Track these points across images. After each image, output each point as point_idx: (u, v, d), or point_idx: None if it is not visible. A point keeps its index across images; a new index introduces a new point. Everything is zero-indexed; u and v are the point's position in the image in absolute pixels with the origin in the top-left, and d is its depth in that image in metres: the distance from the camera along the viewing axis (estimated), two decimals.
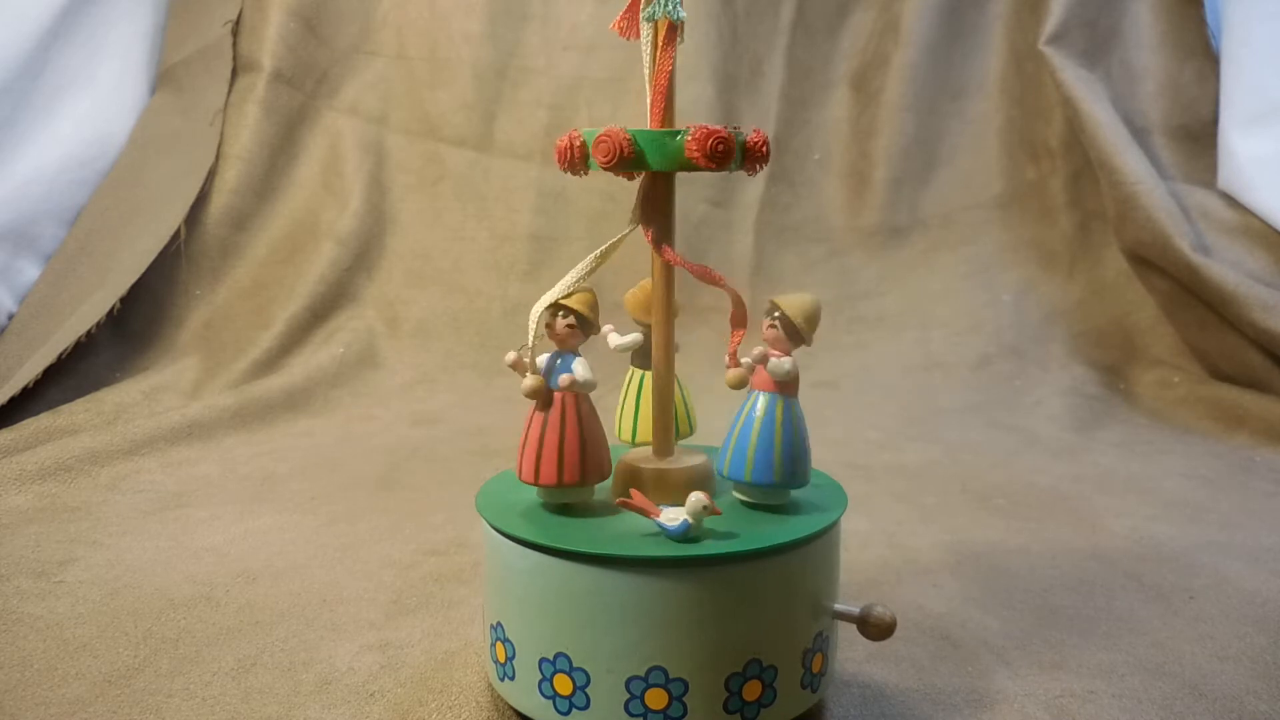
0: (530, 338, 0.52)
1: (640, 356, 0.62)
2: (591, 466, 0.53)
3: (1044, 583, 0.75)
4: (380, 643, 0.63)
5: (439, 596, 0.71)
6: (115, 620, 0.66)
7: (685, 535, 0.48)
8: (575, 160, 0.53)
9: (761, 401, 0.53)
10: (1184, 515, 0.94)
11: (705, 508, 0.48)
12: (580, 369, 0.52)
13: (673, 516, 0.48)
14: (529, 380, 0.52)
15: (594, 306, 0.54)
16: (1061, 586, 0.74)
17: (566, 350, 0.53)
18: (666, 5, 0.52)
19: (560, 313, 0.53)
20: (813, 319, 0.53)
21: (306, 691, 0.57)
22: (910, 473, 1.09)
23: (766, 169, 1.79)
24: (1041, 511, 0.95)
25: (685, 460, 0.56)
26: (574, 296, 0.53)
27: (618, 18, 0.54)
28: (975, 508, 0.96)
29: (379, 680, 0.58)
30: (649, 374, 0.58)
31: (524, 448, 0.53)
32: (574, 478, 0.52)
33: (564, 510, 0.53)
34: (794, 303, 0.53)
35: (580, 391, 0.53)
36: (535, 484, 0.52)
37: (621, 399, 0.62)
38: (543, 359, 0.53)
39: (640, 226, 0.55)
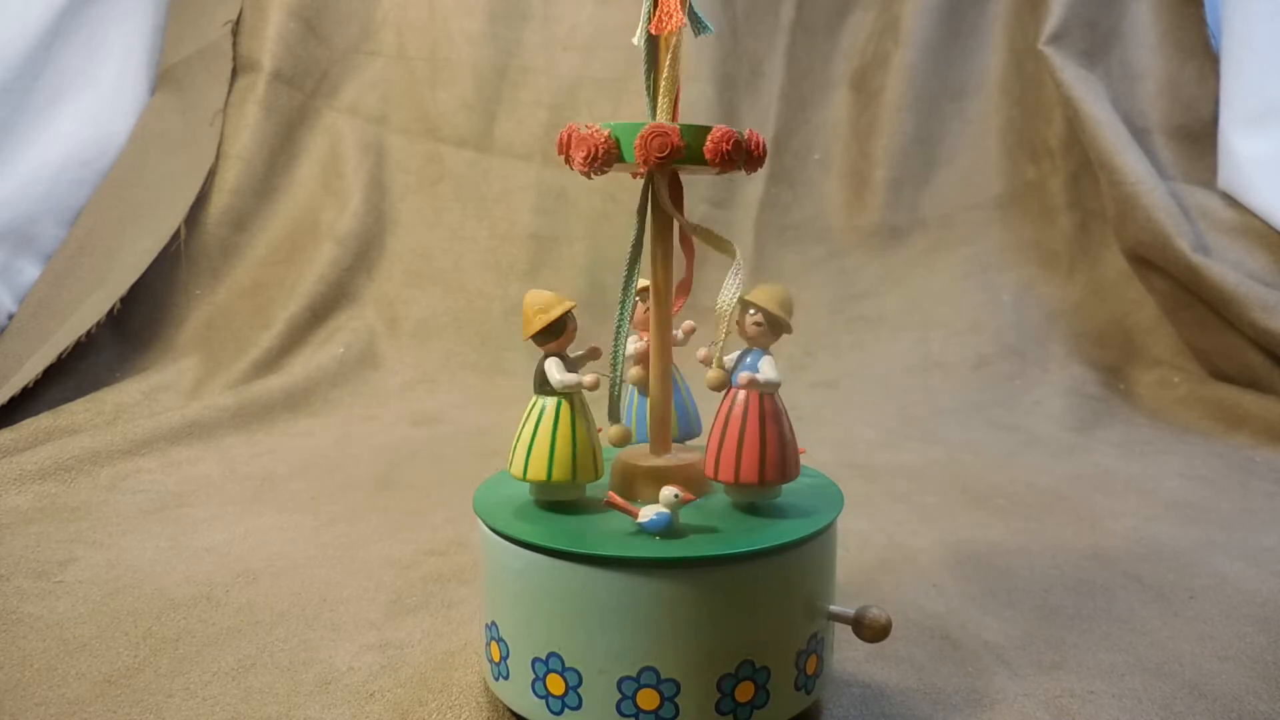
0: (722, 333, 0.52)
1: (544, 383, 0.54)
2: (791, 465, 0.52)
3: (1044, 583, 0.75)
4: (380, 642, 0.63)
5: (439, 596, 0.71)
6: (115, 620, 0.66)
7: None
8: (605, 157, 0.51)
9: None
10: (1184, 515, 0.94)
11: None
12: (766, 367, 0.52)
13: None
14: (712, 374, 0.53)
15: (785, 304, 0.52)
16: (1061, 586, 0.74)
17: (756, 347, 0.53)
18: (706, 25, 0.54)
19: (750, 310, 0.52)
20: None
21: (306, 691, 0.57)
22: (910, 473, 1.09)
23: (765, 169, 1.81)
24: (1041, 511, 0.95)
25: (682, 457, 0.56)
26: (762, 293, 0.52)
27: (655, 21, 0.53)
28: (975, 508, 0.96)
29: (379, 680, 0.58)
30: (565, 402, 0.52)
31: (722, 446, 0.52)
32: (773, 476, 0.51)
33: (558, 510, 0.53)
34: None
35: (762, 390, 0.52)
36: (735, 482, 0.52)
37: (531, 432, 0.52)
38: (732, 356, 0.53)
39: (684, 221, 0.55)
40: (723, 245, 0.54)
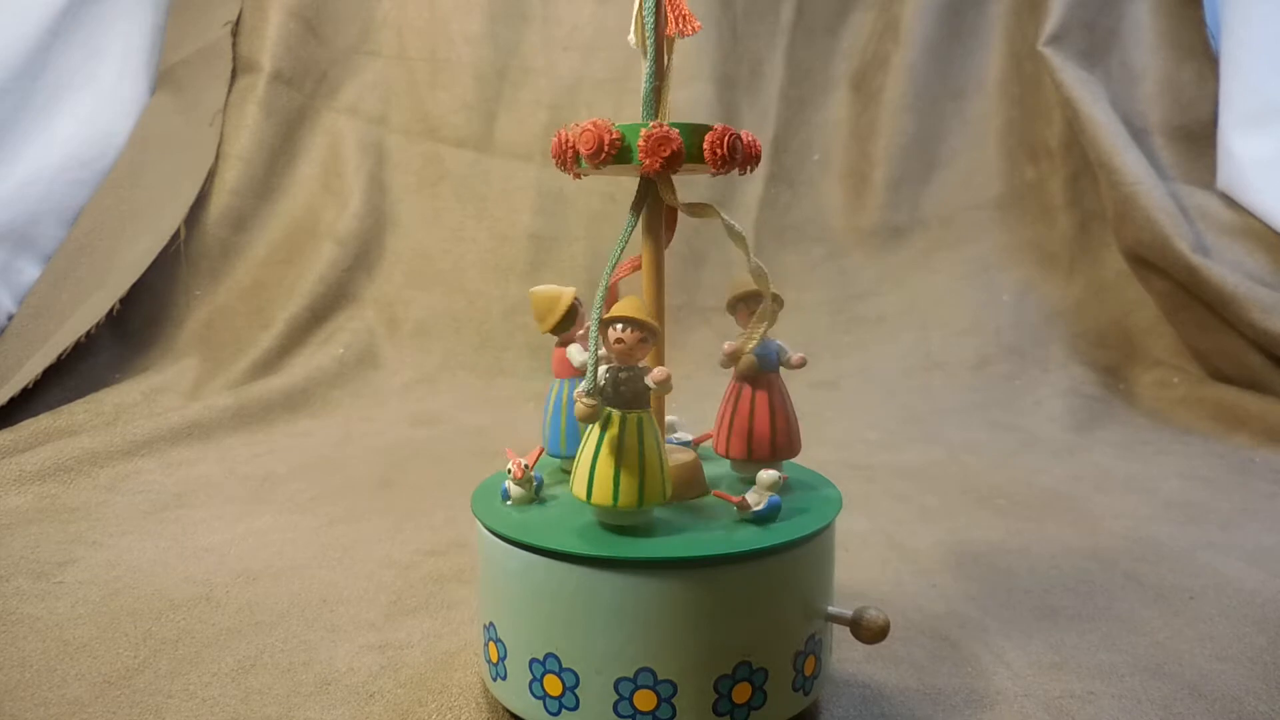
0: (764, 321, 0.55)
1: (617, 396, 0.48)
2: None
3: (1044, 583, 0.75)
4: (380, 643, 0.63)
5: (438, 597, 0.71)
6: (115, 621, 0.66)
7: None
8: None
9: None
10: (1184, 516, 0.94)
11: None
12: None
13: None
14: (744, 360, 0.57)
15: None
16: (1061, 587, 0.74)
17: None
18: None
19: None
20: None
21: (306, 692, 0.57)
22: (910, 473, 1.09)
23: (765, 169, 1.81)
24: (1041, 512, 0.95)
25: (676, 458, 0.56)
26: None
27: (677, 24, 0.53)
28: (975, 508, 0.96)
29: (378, 681, 0.58)
30: (635, 417, 0.48)
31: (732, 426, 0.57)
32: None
33: (556, 511, 0.53)
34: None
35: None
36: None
37: (593, 451, 0.48)
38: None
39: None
40: (707, 213, 0.54)
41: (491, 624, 0.51)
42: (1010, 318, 1.65)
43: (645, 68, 0.54)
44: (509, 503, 0.54)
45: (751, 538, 0.48)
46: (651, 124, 0.50)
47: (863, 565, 0.79)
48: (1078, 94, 1.62)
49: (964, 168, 1.81)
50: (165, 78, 1.60)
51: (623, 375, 0.48)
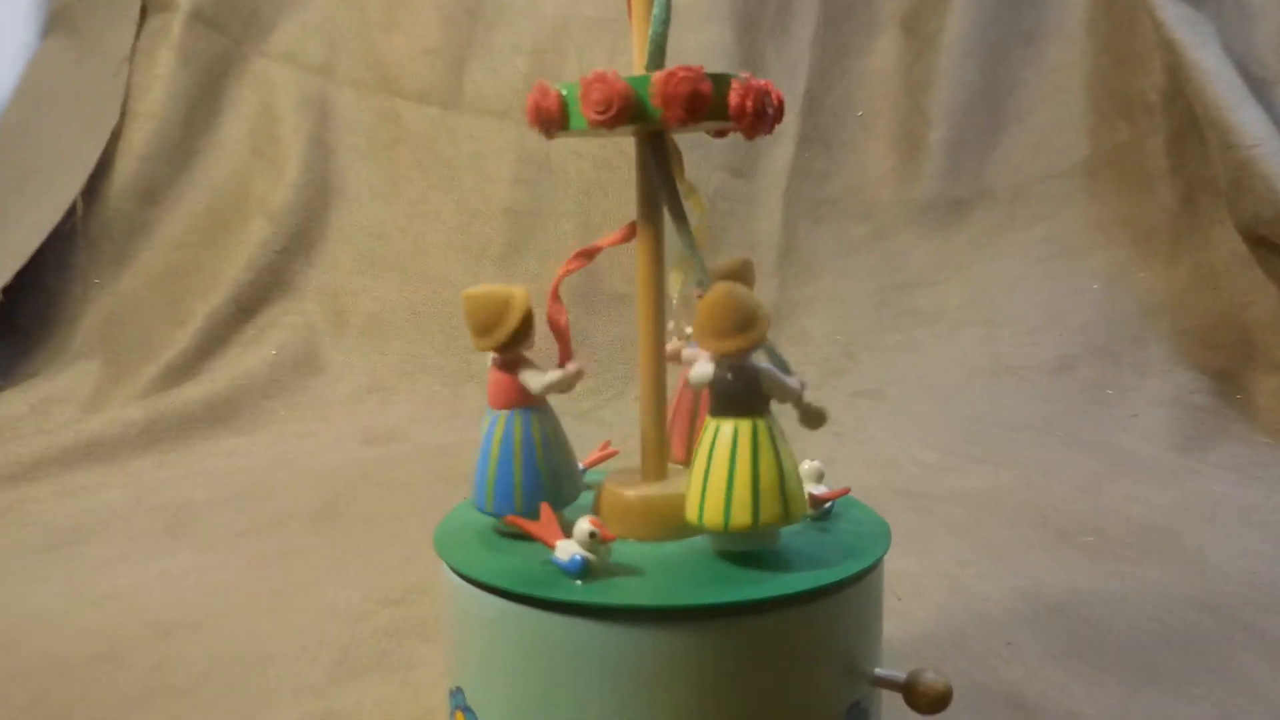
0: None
1: (730, 401, 0.49)
2: None
3: (1142, 639, 0.75)
4: (323, 712, 0.63)
5: (395, 655, 0.71)
6: None
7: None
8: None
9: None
10: None
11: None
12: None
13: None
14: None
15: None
16: (1164, 643, 0.74)
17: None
18: None
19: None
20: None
21: None
22: (974, 502, 1.09)
23: (795, 129, 1.81)
24: (1138, 550, 0.95)
25: (679, 484, 0.55)
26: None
27: None
28: (1056, 545, 0.96)
29: None
30: (747, 426, 0.49)
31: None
32: None
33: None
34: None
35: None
36: None
37: (705, 466, 0.49)
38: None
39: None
40: (692, 199, 0.54)
41: (459, 689, 0.51)
42: (1099, 311, 1.65)
43: (656, 5, 0.54)
44: (580, 582, 0.48)
45: (781, 581, 0.48)
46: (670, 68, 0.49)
47: (916, 617, 0.79)
48: (1182, 36, 1.62)
49: (1040, 127, 1.81)
50: (59, 18, 1.60)
51: (730, 376, 0.49)
